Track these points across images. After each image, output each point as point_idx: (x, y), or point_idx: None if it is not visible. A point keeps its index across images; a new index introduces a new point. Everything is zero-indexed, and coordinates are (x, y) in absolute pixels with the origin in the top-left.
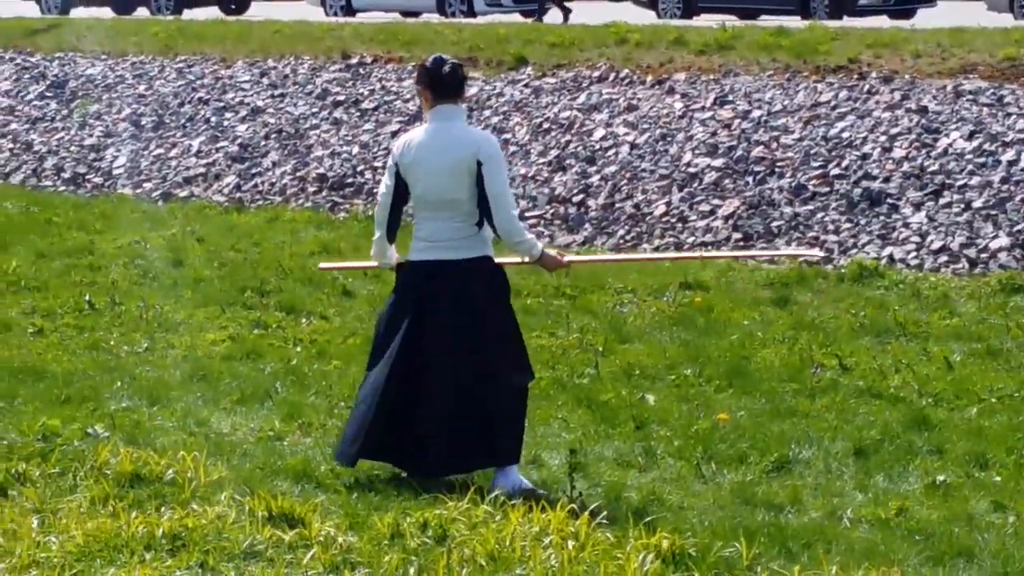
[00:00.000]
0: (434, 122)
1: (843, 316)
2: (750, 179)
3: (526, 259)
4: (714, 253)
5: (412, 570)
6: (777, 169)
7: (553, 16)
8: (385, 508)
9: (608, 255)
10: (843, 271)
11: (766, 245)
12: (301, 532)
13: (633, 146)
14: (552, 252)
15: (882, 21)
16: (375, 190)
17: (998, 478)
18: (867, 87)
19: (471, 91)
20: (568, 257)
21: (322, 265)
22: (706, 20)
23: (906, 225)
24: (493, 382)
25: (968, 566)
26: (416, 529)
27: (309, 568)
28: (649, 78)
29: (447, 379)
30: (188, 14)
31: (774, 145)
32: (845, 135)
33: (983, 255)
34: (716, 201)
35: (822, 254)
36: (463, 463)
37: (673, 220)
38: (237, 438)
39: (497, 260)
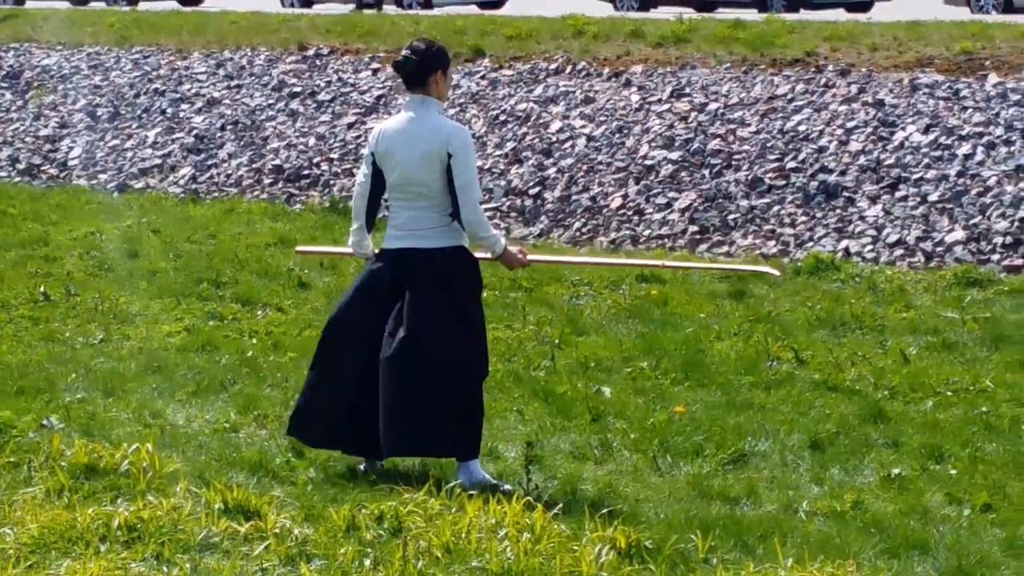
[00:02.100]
0: (405, 111)
1: (799, 309)
2: (707, 172)
3: (488, 255)
4: (679, 264)
5: (368, 562)
6: (734, 162)
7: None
8: (341, 500)
9: (571, 257)
10: (799, 264)
11: (724, 242)
12: (257, 524)
13: (590, 138)
14: (514, 250)
15: (839, 14)
16: (331, 182)
17: (953, 471)
18: (824, 80)
19: None
20: (530, 256)
21: (298, 249)
22: (663, 12)
23: (862, 218)
24: (456, 373)
25: (923, 559)
26: (372, 521)
27: (264, 560)
28: (606, 70)
29: (410, 364)
30: (144, 5)
31: (731, 138)
32: (802, 128)
33: (939, 248)
34: (672, 194)
35: (779, 274)
36: (417, 445)
37: (629, 213)
38: (192, 430)
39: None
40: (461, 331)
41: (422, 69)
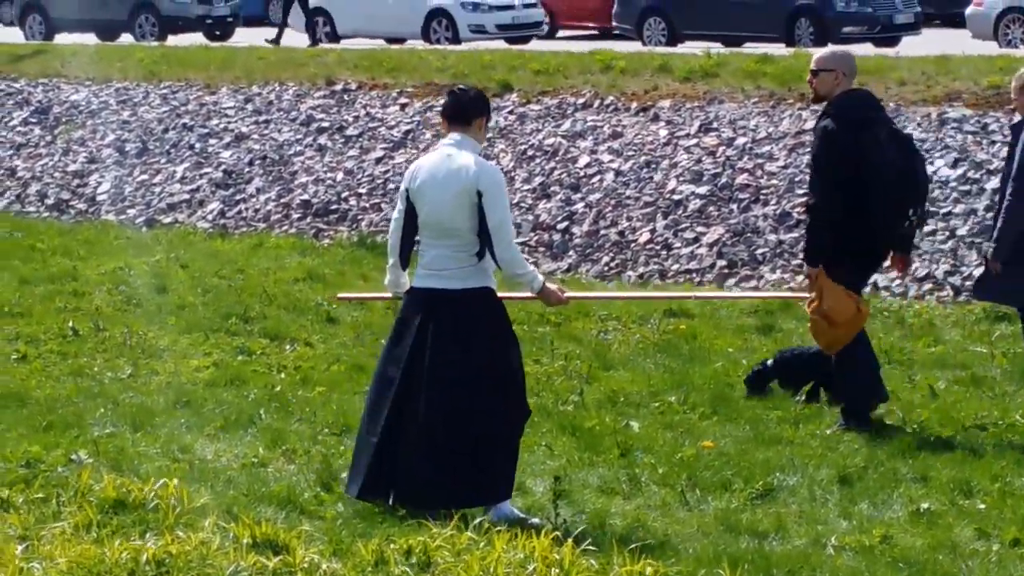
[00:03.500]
0: (443, 148)
1: None
2: (734, 206)
3: (528, 292)
4: (709, 293)
5: None
6: (762, 196)
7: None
8: (369, 535)
9: (606, 292)
10: None
11: (752, 276)
12: (285, 559)
13: (618, 173)
14: (553, 287)
15: (867, 48)
16: (359, 216)
17: (982, 506)
18: None
19: None
20: (568, 293)
21: (340, 295)
22: (690, 47)
23: None
24: (482, 417)
25: None
26: (400, 556)
27: None
28: (634, 105)
29: (439, 410)
30: (172, 40)
31: (759, 172)
32: None
33: (967, 283)
34: (700, 228)
35: (808, 296)
36: (452, 499)
37: (657, 247)
38: (221, 464)
39: (501, 294)
40: (492, 376)
41: (474, 107)
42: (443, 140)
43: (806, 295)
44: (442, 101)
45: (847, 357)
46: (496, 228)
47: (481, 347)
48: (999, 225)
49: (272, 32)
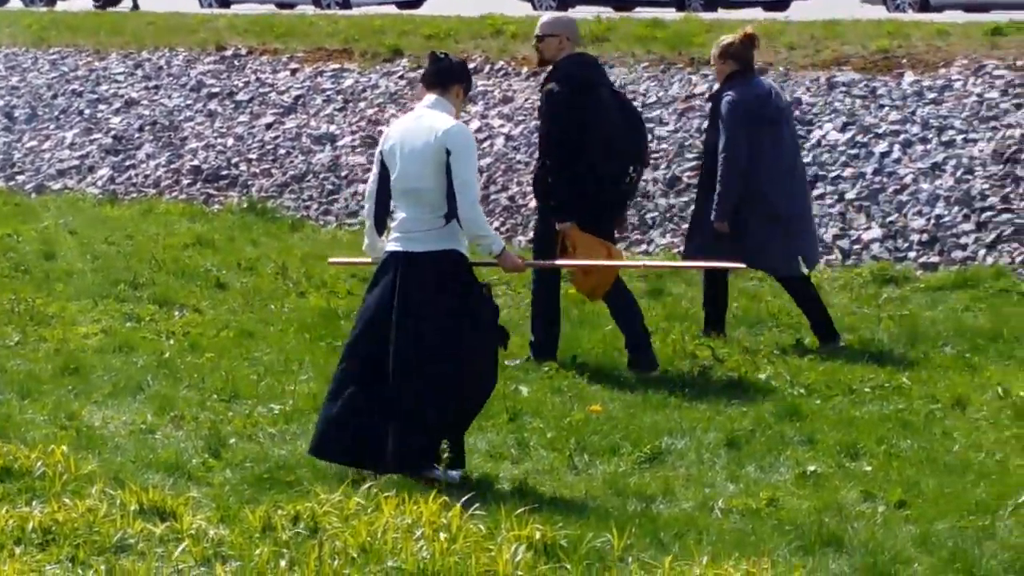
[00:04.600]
0: (417, 109)
1: None
2: None
3: (487, 255)
4: (662, 264)
5: (283, 563)
6: (652, 161)
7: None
8: (257, 501)
9: (562, 260)
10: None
11: (642, 241)
12: (172, 525)
13: (508, 138)
14: (512, 253)
15: (756, 13)
16: (249, 182)
17: (868, 468)
18: None
19: (346, 83)
20: (526, 261)
21: (331, 260)
22: (581, 11)
23: None
24: (436, 382)
25: (837, 555)
26: (288, 522)
27: (180, 561)
28: (524, 70)
29: (397, 374)
30: (61, 5)
31: (649, 137)
32: None
33: (856, 246)
34: None
35: (743, 265)
36: (404, 462)
37: None
38: (108, 431)
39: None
40: (446, 339)
41: (451, 74)
42: (419, 103)
43: (739, 264)
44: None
45: (616, 303)
46: (461, 187)
47: (442, 310)
48: (719, 192)
49: None
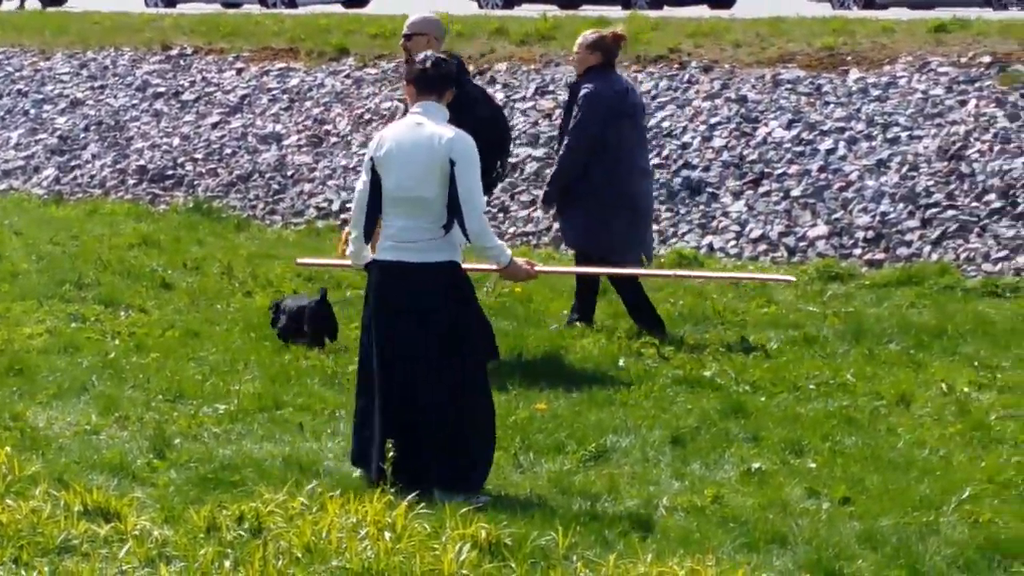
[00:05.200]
0: (413, 116)
1: (662, 305)
2: None
3: (494, 266)
4: (696, 274)
5: (228, 563)
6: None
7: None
8: (201, 501)
9: (577, 267)
10: (662, 260)
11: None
12: (116, 526)
13: None
14: (520, 261)
15: (702, 11)
16: (195, 182)
17: (813, 464)
18: (687, 77)
19: (292, 82)
20: (538, 267)
21: (299, 261)
22: (527, 10)
23: (725, 214)
24: (437, 398)
25: (782, 552)
26: (232, 522)
27: (124, 562)
28: (471, 68)
29: (400, 388)
30: (6, 5)
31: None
32: (665, 124)
33: (801, 243)
34: (537, 191)
35: (794, 279)
36: (418, 480)
37: (495, 211)
38: (53, 432)
39: (465, 266)
40: (452, 352)
41: (449, 80)
42: (411, 108)
43: (790, 278)
44: (405, 71)
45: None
46: (467, 198)
47: (440, 323)
48: (552, 172)
49: None
